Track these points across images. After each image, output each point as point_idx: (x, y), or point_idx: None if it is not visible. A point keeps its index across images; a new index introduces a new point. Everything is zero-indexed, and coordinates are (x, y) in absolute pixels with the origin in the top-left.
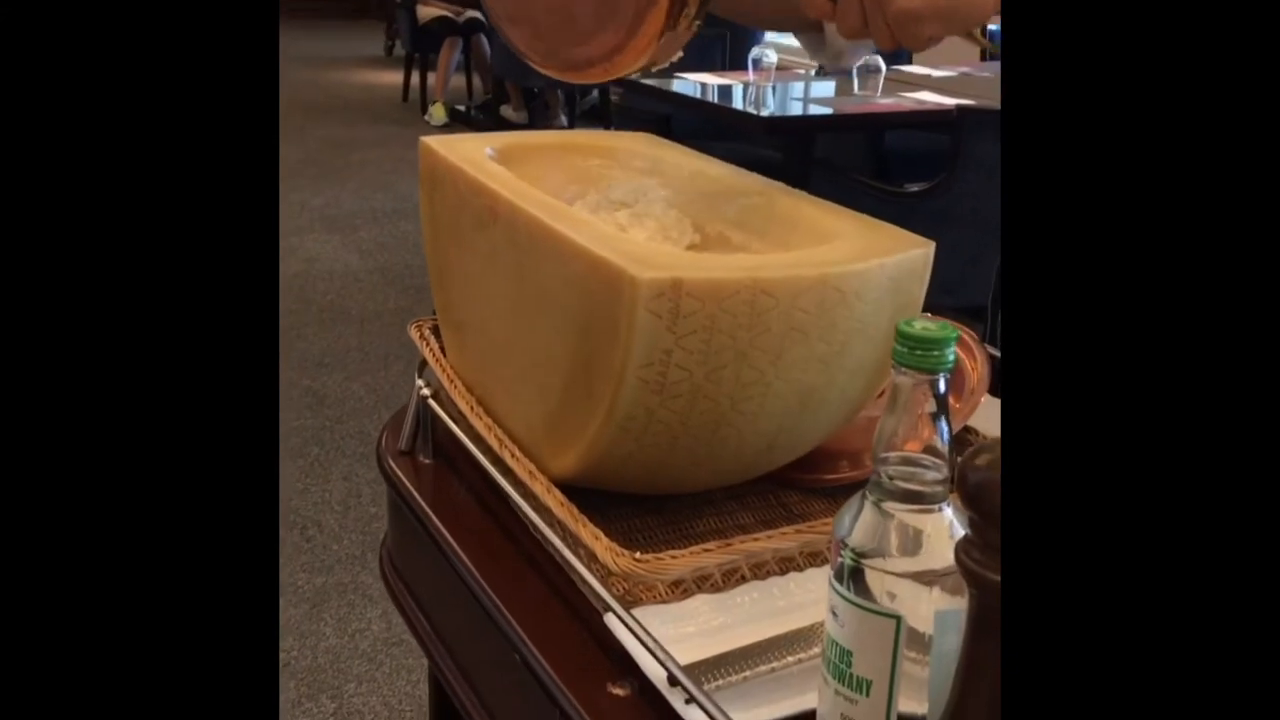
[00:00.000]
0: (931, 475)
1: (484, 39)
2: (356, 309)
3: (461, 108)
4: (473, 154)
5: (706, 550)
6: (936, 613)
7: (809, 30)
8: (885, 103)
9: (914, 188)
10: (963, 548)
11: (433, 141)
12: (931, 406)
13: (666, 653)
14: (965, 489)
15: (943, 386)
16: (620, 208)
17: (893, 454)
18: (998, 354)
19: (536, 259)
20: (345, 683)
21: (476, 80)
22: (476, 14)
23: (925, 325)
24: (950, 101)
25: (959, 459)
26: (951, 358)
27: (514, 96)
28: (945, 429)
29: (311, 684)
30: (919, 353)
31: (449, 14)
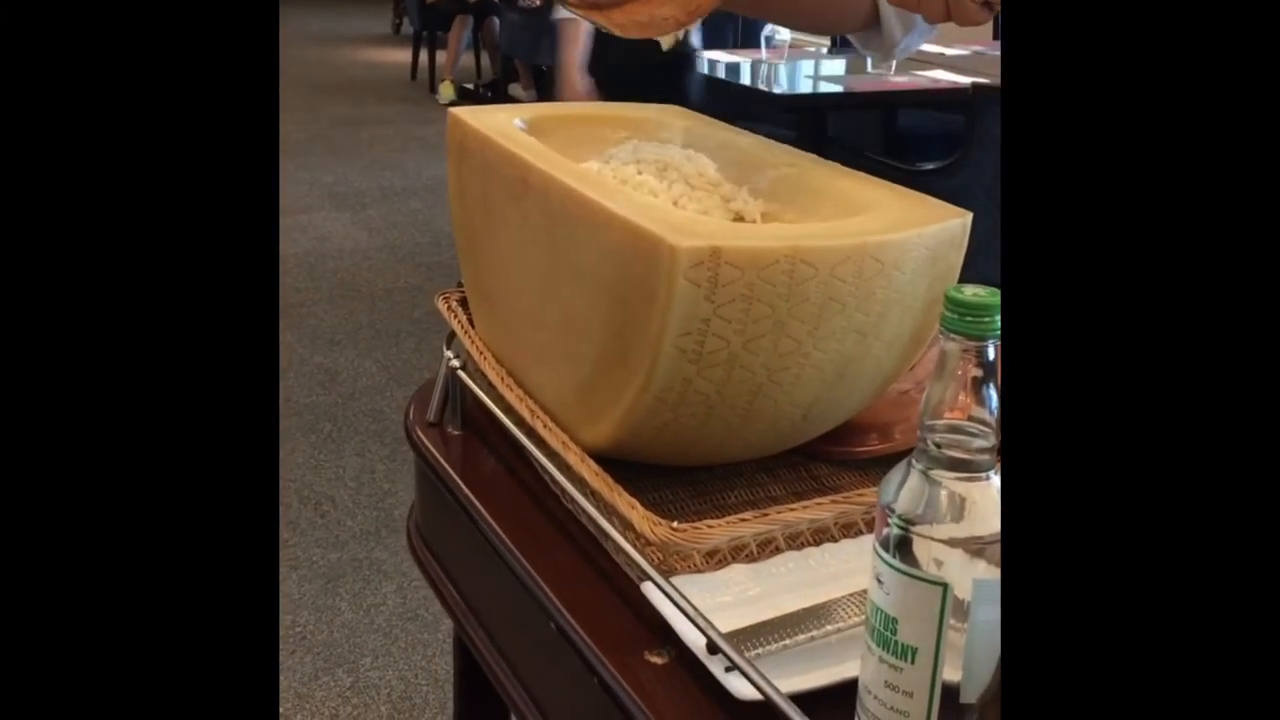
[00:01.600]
0: (979, 443)
1: (495, 19)
2: (367, 286)
3: (470, 86)
4: (502, 125)
5: (743, 520)
6: (975, 582)
7: (861, 29)
8: (899, 80)
9: (929, 166)
10: None
11: (462, 112)
12: (979, 373)
13: (707, 620)
14: None
15: (991, 353)
16: (667, 174)
17: (940, 421)
18: None
19: (571, 229)
20: (361, 657)
21: (484, 59)
22: None
23: (975, 291)
24: (965, 80)
25: None
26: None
27: (523, 75)
28: (993, 396)
29: (328, 658)
30: (969, 319)
31: None
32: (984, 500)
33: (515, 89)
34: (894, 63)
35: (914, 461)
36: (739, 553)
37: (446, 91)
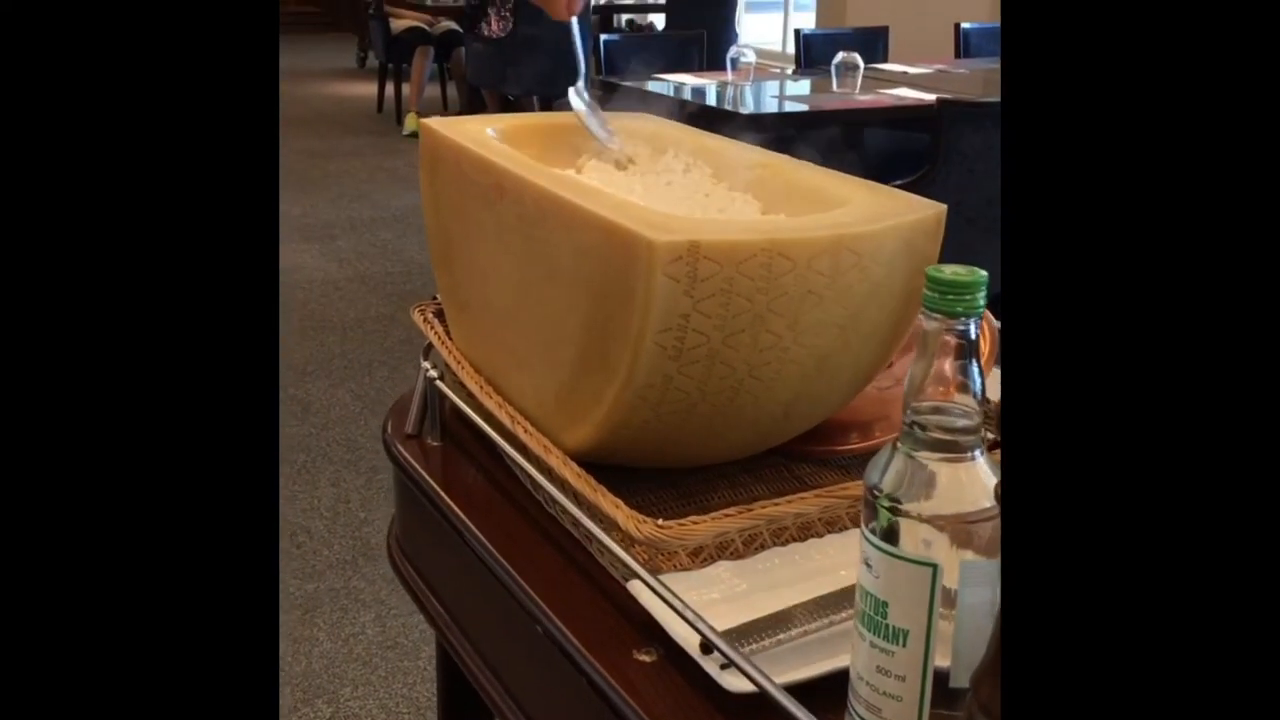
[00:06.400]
0: (963, 422)
1: (460, 49)
2: (338, 317)
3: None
4: (475, 133)
5: (728, 515)
6: (962, 564)
7: None
8: (865, 99)
9: (897, 183)
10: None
11: (435, 122)
12: (961, 352)
13: (699, 616)
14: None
15: (973, 332)
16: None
17: (924, 403)
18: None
19: (547, 231)
20: (341, 687)
21: (451, 90)
22: (452, 25)
23: (955, 270)
24: (929, 96)
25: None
26: (982, 302)
27: (491, 104)
28: (976, 375)
29: (307, 689)
30: (950, 297)
31: (421, 24)
32: (969, 479)
33: None
34: (859, 82)
35: (899, 444)
36: (724, 550)
37: (411, 124)
